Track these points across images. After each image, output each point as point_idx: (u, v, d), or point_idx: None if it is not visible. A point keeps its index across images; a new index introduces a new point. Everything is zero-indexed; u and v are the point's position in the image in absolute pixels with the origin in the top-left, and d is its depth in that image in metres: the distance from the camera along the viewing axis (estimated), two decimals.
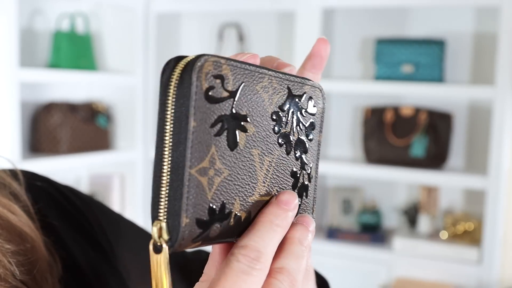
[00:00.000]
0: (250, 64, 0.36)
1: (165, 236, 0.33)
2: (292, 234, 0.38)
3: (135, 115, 2.56)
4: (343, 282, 2.35)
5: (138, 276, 0.60)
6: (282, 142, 0.39)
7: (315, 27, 2.29)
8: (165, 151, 0.33)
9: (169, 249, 0.33)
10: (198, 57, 0.33)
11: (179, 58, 0.33)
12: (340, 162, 2.42)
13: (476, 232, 2.26)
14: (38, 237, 0.51)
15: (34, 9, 2.35)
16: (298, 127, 0.40)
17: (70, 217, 0.58)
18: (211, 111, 0.33)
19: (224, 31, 2.65)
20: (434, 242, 2.25)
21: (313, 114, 0.42)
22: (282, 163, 0.39)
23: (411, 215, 2.42)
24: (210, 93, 0.33)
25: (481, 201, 2.27)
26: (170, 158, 0.33)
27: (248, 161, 0.36)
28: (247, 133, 0.36)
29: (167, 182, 0.33)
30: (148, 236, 0.63)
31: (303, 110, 0.40)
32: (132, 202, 2.62)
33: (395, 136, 2.32)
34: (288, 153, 0.39)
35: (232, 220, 0.35)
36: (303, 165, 0.41)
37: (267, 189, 0.38)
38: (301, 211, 0.41)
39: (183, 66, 0.33)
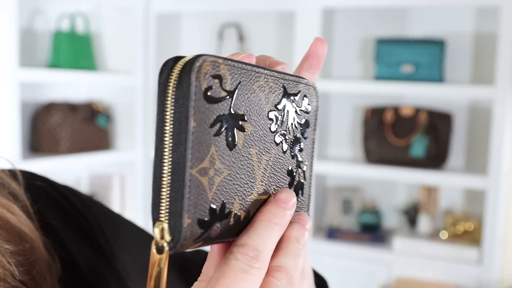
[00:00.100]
0: (246, 64, 0.36)
1: (167, 237, 0.33)
2: (289, 233, 0.38)
3: (135, 115, 2.56)
4: (343, 282, 2.35)
5: (137, 276, 0.59)
6: (279, 141, 0.39)
7: (315, 27, 2.29)
8: (165, 152, 0.33)
9: (171, 250, 0.33)
10: (196, 57, 0.33)
11: (177, 59, 0.33)
12: (340, 162, 2.42)
13: (476, 232, 2.26)
14: (37, 237, 0.51)
15: (34, 9, 2.35)
16: (293, 125, 0.40)
17: (69, 217, 0.58)
18: (210, 111, 0.33)
19: (224, 31, 2.64)
20: (434, 242, 2.25)
21: (307, 112, 0.42)
22: (279, 161, 0.39)
23: (411, 215, 2.42)
24: (209, 93, 0.33)
25: (481, 201, 2.27)
26: (170, 159, 0.33)
27: (246, 160, 0.36)
28: (245, 133, 0.36)
29: (168, 183, 0.33)
30: (148, 236, 0.63)
31: (298, 109, 0.41)
32: (132, 202, 2.61)
33: (395, 136, 2.32)
34: (284, 152, 0.39)
35: (232, 219, 0.35)
36: (298, 164, 0.41)
37: (265, 188, 0.38)
38: (297, 209, 0.41)
39: (181, 66, 0.33)
